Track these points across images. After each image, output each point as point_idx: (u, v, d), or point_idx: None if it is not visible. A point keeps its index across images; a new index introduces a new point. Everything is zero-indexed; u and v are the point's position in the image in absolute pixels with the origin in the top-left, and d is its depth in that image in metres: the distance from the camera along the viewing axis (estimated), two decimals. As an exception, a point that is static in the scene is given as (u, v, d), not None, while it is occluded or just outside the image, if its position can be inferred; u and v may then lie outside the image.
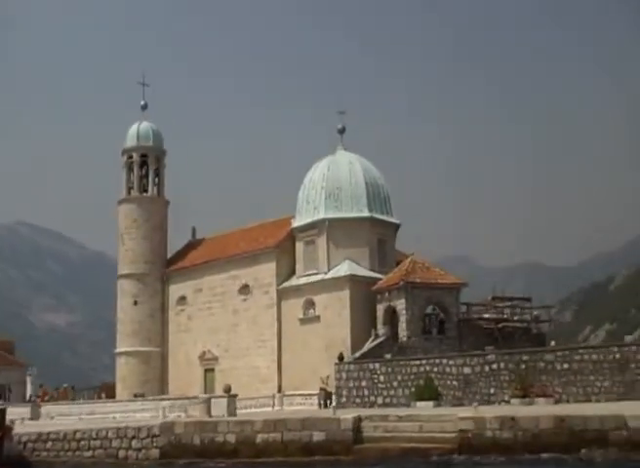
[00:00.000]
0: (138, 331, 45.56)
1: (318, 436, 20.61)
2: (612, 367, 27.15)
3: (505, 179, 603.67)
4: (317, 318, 38.68)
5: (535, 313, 38.39)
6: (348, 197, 39.49)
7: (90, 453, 22.34)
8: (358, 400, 31.77)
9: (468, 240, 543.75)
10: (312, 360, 37.98)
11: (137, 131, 47.81)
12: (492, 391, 28.83)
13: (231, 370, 42.05)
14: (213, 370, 43.21)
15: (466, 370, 29.51)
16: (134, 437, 22.07)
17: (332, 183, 39.81)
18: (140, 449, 21.87)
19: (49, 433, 23.11)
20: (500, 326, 37.58)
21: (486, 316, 37.22)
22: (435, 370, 30.08)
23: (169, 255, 48.27)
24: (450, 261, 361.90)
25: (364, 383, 31.86)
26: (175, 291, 45.94)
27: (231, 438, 21.25)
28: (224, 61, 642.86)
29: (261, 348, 40.79)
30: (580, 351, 28.04)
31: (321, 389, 34.57)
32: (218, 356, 42.99)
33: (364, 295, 37.67)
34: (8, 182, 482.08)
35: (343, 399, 32.24)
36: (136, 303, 45.72)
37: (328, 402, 32.88)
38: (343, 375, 32.59)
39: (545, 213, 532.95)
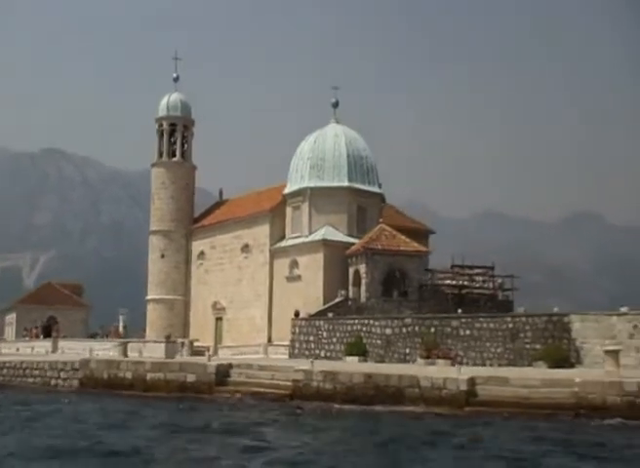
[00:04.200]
0: (164, 281, 51.36)
1: (190, 377, 25.23)
2: (505, 335, 29.82)
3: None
4: (299, 277, 42.76)
5: (499, 281, 40.69)
6: (331, 168, 42.95)
7: (32, 380, 28.09)
8: (307, 352, 35.83)
9: (601, 196, 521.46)
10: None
11: (167, 102, 52.94)
12: (407, 351, 32.12)
13: (235, 319, 47.16)
14: (222, 318, 48.44)
15: (388, 330, 32.89)
16: (62, 369, 27.50)
17: (317, 155, 43.37)
18: (65, 379, 27.34)
19: (5, 362, 28.99)
20: (463, 292, 40.25)
21: (447, 282, 39.93)
22: (364, 329, 33.62)
23: (198, 214, 53.64)
24: (578, 218, 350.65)
25: (311, 338, 35.89)
26: (196, 246, 51.28)
27: (129, 375, 26.24)
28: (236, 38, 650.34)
29: (257, 302, 45.43)
30: (480, 319, 30.75)
31: (292, 341, 38.95)
32: (225, 307, 48.10)
33: (339, 259, 41.23)
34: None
35: (296, 350, 36.48)
36: (163, 256, 51.45)
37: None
38: (297, 330, 36.75)
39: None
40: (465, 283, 40.00)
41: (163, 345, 31.23)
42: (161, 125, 53.08)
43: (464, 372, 22.27)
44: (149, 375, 25.77)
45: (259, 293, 45.47)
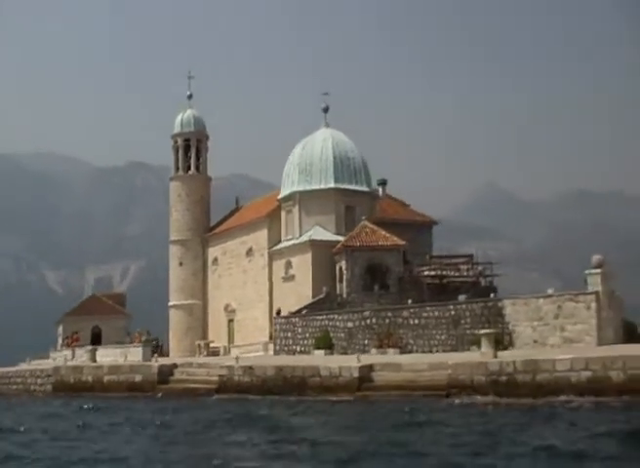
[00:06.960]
0: (182, 287, 54.54)
1: (138, 377, 27.96)
2: (447, 322, 31.27)
3: None
4: (293, 277, 45.02)
5: (479, 268, 41.76)
6: (318, 171, 45.10)
7: (16, 387, 31.48)
8: (286, 348, 37.98)
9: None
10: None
11: (181, 119, 55.98)
12: (366, 342, 33.87)
13: (243, 320, 49.87)
14: (233, 320, 51.25)
15: (350, 324, 34.72)
16: (39, 376, 30.77)
17: (305, 160, 45.74)
18: (41, 385, 30.56)
19: (-5, 372, 32.58)
20: (444, 281, 41.50)
21: (425, 273, 41.27)
22: (330, 324, 35.52)
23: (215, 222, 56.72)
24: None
25: (289, 334, 38.01)
26: (211, 253, 54.17)
27: (90, 378, 29.21)
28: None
29: (260, 302, 47.92)
30: (427, 308, 32.24)
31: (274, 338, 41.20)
32: (235, 308, 50.83)
33: (328, 257, 43.27)
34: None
35: (277, 347, 38.73)
36: (181, 264, 54.65)
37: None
38: (277, 327, 39.00)
39: None
40: (444, 273, 41.20)
41: (141, 349, 34.10)
42: (176, 141, 56.18)
43: (364, 360, 24.09)
44: (106, 378, 28.67)
45: (260, 294, 47.96)
